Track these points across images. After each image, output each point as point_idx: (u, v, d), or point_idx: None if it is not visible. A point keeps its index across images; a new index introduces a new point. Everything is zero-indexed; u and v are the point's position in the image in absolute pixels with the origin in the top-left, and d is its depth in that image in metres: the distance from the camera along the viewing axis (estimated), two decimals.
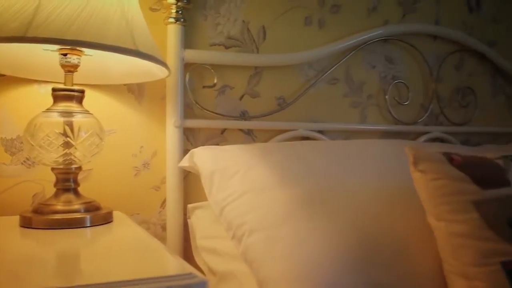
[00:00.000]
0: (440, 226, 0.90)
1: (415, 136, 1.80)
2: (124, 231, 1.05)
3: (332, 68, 1.64)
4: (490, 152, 1.14)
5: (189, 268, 0.73)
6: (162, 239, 1.42)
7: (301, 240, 0.95)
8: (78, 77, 1.15)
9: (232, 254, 1.10)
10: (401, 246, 0.96)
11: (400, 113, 1.76)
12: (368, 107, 1.72)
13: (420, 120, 1.81)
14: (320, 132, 1.60)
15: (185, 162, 1.29)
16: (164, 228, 1.42)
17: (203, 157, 1.22)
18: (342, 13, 1.69)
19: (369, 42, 1.71)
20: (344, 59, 1.65)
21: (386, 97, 1.73)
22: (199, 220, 1.32)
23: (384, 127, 1.72)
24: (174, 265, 0.77)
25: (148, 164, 1.41)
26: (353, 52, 1.67)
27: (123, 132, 1.38)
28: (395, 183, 1.08)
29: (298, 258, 0.92)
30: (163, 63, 1.10)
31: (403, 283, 0.92)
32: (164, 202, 1.42)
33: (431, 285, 0.92)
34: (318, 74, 1.62)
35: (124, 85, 1.37)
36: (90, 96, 1.30)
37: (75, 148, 1.05)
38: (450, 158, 0.91)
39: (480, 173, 0.90)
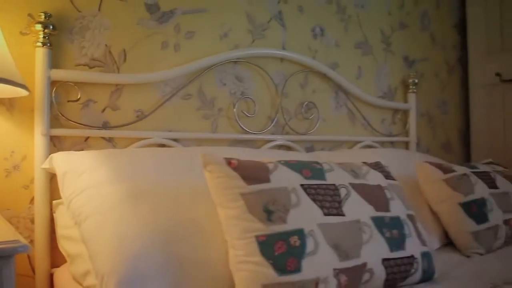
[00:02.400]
0: (221, 212, 1.24)
1: (262, 143, 2.15)
2: None
3: (186, 86, 1.96)
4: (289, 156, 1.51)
5: (18, 238, 1.03)
6: (31, 231, 1.68)
7: (123, 223, 1.26)
8: None
9: (80, 239, 1.39)
10: (200, 228, 1.31)
11: (248, 124, 2.11)
12: (219, 118, 2.06)
13: (267, 129, 2.16)
14: (175, 140, 1.92)
15: (46, 165, 1.58)
16: (32, 221, 1.68)
17: (59, 160, 1.51)
18: (196, 38, 2.02)
19: (220, 64, 2.04)
20: (197, 78, 1.98)
21: (234, 110, 2.07)
22: (61, 213, 1.59)
23: (233, 136, 2.06)
24: (10, 236, 1.07)
25: (18, 166, 1.67)
26: (206, 71, 2.01)
27: None
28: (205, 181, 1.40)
29: (118, 237, 1.23)
30: (21, 85, 1.39)
31: (198, 255, 1.26)
32: (32, 199, 1.68)
33: (219, 257, 1.26)
34: (173, 90, 1.94)
35: None
36: None
37: None
38: (229, 162, 1.26)
39: (249, 173, 1.24)
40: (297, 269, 1.14)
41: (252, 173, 1.24)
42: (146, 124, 1.88)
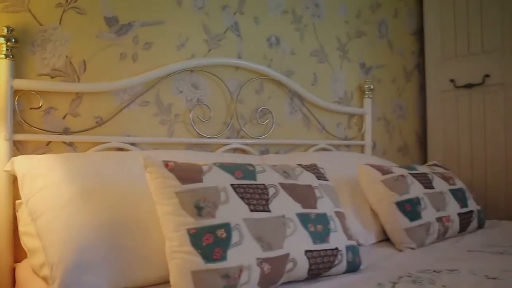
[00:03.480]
0: (158, 208, 1.44)
1: (218, 147, 2.36)
2: None
3: (144, 94, 2.16)
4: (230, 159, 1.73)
5: None
6: None
7: (72, 219, 1.47)
8: None
9: (36, 234, 1.59)
10: (141, 222, 1.52)
11: (204, 129, 2.32)
12: (175, 124, 2.27)
13: (221, 134, 2.37)
14: (133, 144, 2.12)
15: (7, 167, 1.77)
16: None
17: (19, 163, 1.71)
18: (153, 49, 2.22)
19: (177, 72, 2.25)
20: (154, 86, 2.18)
21: (190, 115, 2.28)
22: (23, 212, 1.79)
23: (188, 140, 2.27)
24: None
25: None
26: (163, 80, 2.21)
27: None
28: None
29: (69, 230, 1.44)
30: None
31: (139, 246, 1.48)
32: None
33: (157, 248, 1.46)
34: (131, 98, 2.14)
35: None
36: None
37: None
38: (166, 164, 1.46)
39: (183, 174, 1.45)
40: (223, 258, 1.34)
41: (186, 174, 1.45)
42: (105, 129, 2.08)
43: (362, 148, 3.03)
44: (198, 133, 2.30)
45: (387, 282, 1.48)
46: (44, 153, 1.93)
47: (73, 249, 1.38)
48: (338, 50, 2.94)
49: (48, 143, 1.96)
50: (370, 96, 3.01)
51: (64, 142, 2.00)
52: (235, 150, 2.43)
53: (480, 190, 3.08)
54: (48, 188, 1.59)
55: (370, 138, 3.00)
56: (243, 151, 2.45)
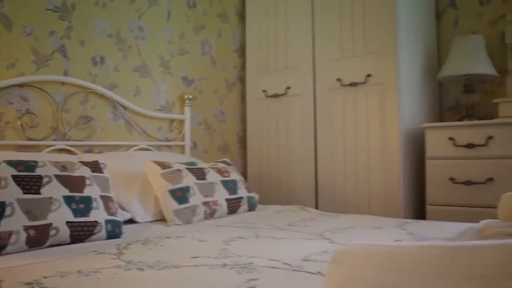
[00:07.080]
0: None
1: (44, 147, 3.13)
2: None
3: None
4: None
5: None
6: None
7: None
8: None
9: None
10: None
11: (32, 133, 3.07)
12: (6, 129, 3.02)
13: (48, 137, 3.14)
14: None
15: None
16: None
17: None
18: None
19: (6, 87, 2.99)
20: None
21: (19, 122, 3.04)
22: None
23: (17, 142, 3.03)
24: None
25: None
26: None
27: None
28: None
29: None
30: None
31: None
32: None
33: None
34: None
35: None
36: None
37: None
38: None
39: None
40: None
41: None
42: None
43: (183, 148, 3.85)
44: (26, 137, 3.06)
45: (124, 244, 2.25)
46: None
47: None
48: (160, 66, 3.75)
49: None
50: (190, 104, 3.84)
51: None
52: (61, 150, 3.19)
53: (282, 179, 3.99)
54: None
55: (189, 140, 3.84)
56: (69, 151, 3.22)
